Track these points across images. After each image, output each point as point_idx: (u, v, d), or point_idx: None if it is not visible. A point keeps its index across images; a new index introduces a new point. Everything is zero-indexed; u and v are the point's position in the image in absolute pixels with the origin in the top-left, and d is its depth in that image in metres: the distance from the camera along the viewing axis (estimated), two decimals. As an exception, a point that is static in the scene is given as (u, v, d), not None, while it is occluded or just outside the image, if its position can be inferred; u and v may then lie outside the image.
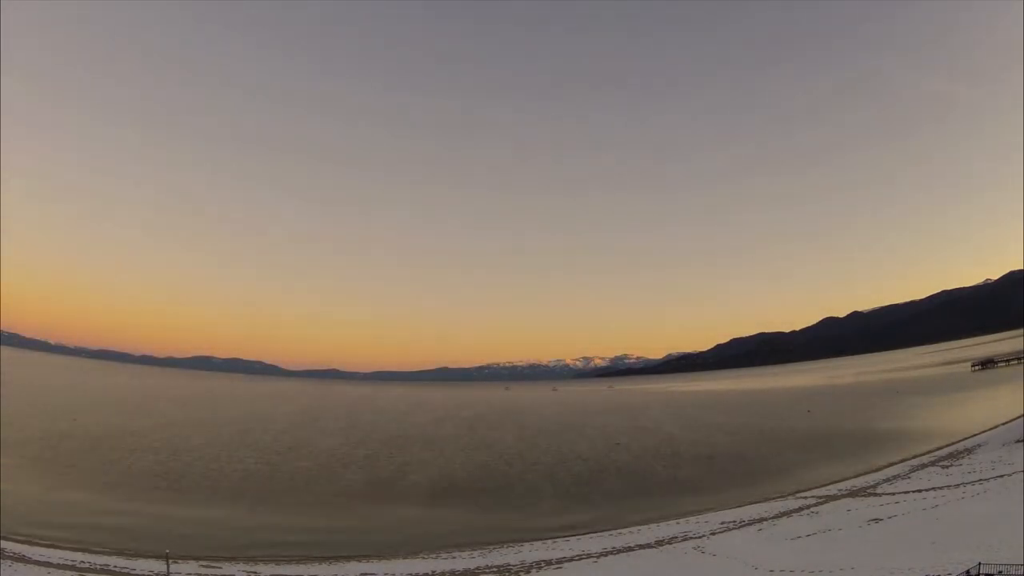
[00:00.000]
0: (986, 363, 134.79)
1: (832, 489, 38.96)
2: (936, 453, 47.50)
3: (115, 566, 23.70)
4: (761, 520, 31.70)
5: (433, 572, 24.95)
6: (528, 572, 24.48)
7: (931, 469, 40.79)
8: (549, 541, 30.53)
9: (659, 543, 28.38)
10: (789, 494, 39.06)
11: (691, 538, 28.86)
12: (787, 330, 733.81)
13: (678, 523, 33.36)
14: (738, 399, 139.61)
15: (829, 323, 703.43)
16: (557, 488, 43.55)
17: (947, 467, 40.18)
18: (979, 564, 15.01)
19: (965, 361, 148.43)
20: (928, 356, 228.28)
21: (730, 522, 31.97)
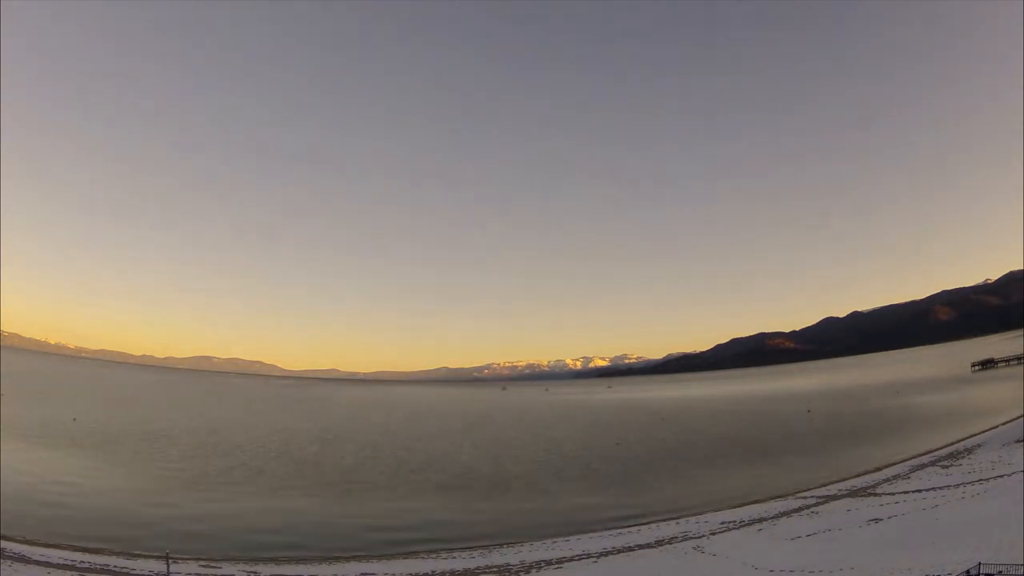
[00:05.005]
0: (986, 363, 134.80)
1: (832, 489, 38.94)
2: (936, 453, 47.45)
3: (115, 566, 23.66)
4: (761, 520, 31.70)
5: (433, 572, 24.93)
6: (528, 572, 24.47)
7: (931, 469, 40.75)
8: (549, 541, 30.52)
9: (659, 543, 28.38)
10: (789, 494, 39.04)
11: (691, 538, 28.86)
12: (786, 330, 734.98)
13: (678, 523, 33.35)
14: (738, 399, 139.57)
15: (829, 323, 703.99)
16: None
17: (947, 467, 40.14)
18: (979, 564, 14.98)
19: (965, 361, 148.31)
20: (928, 356, 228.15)
21: (730, 522, 31.97)
